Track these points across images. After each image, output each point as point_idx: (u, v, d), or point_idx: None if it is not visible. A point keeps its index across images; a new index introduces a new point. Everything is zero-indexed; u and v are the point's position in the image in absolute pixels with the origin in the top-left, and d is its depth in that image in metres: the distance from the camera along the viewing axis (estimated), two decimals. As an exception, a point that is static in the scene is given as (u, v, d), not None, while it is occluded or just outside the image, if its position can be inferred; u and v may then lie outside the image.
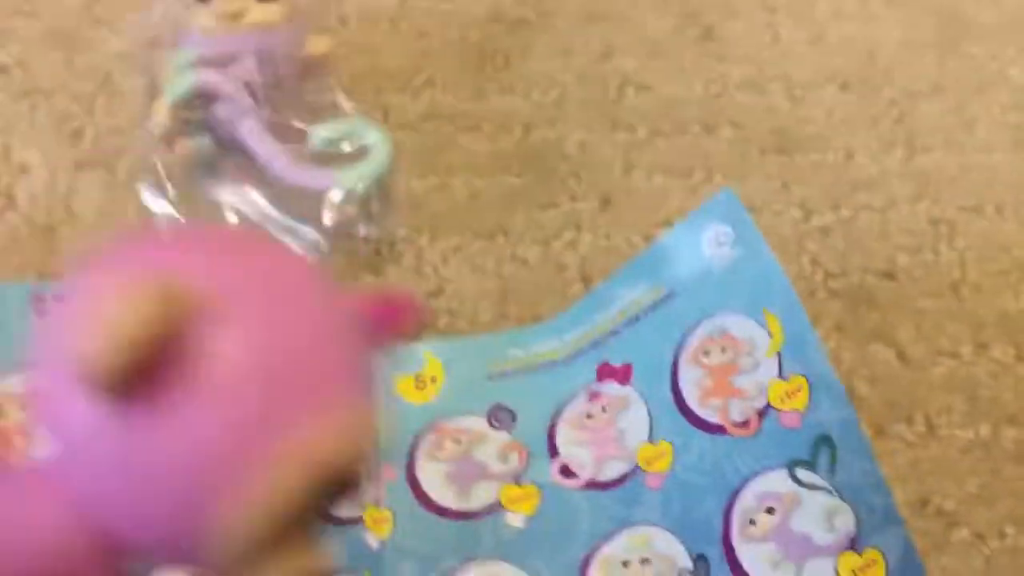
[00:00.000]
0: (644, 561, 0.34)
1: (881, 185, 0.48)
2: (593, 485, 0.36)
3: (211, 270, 0.14)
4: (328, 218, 0.41)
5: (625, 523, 0.35)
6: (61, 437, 0.14)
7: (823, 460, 0.31)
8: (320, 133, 0.43)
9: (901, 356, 0.42)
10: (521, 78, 0.52)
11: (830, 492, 0.30)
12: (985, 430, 0.40)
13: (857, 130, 0.51)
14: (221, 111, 0.42)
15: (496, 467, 0.37)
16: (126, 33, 0.48)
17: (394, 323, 0.19)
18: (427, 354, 0.39)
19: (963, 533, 0.37)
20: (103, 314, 0.12)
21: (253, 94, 0.43)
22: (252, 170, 0.42)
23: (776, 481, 0.32)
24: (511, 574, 0.34)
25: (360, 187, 0.41)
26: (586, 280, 0.44)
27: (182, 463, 0.13)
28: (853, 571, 0.29)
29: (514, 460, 0.37)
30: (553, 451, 0.37)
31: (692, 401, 0.35)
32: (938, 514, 0.37)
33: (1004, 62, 0.54)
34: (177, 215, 0.41)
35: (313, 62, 0.46)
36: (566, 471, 0.36)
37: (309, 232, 0.41)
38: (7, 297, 0.32)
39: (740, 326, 0.34)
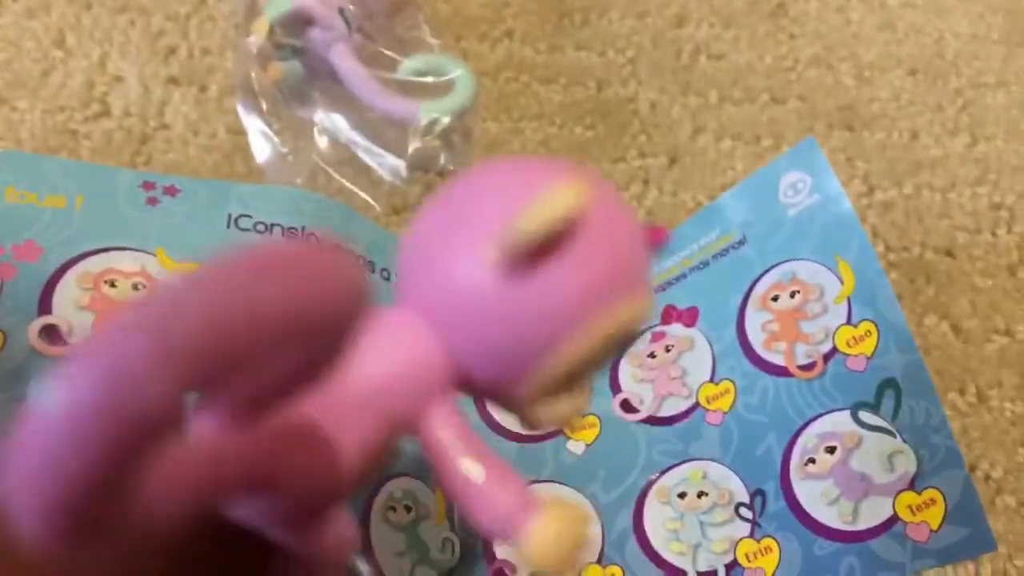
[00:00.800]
0: (701, 494, 0.35)
1: (944, 167, 0.49)
2: (653, 420, 0.37)
3: (574, 177, 0.17)
4: (411, 146, 0.42)
5: (683, 457, 0.36)
6: (449, 288, 0.17)
7: (887, 403, 0.32)
8: (409, 64, 0.44)
9: (955, 329, 0.43)
10: (597, 36, 0.53)
11: (892, 434, 0.31)
12: (1034, 405, 0.41)
13: (923, 113, 0.52)
14: (315, 35, 0.44)
15: (559, 397, 0.38)
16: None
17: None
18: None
19: (1009, 500, 0.38)
20: (542, 196, 0.16)
21: (347, 21, 0.44)
22: (341, 97, 0.44)
23: (838, 422, 0.33)
24: (572, 497, 0.35)
25: (444, 118, 0.42)
26: (652, 232, 0.45)
27: (543, 315, 0.17)
28: (910, 508, 0.30)
29: (577, 392, 0.38)
30: (615, 386, 0.38)
31: (757, 344, 0.36)
32: (985, 480, 0.38)
33: (1072, 61, 0.55)
34: (269, 131, 0.42)
35: (403, 0, 0.48)
36: (627, 406, 0.38)
37: (391, 159, 0.43)
38: (118, 181, 0.33)
39: (810, 272, 0.35)
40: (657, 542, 0.35)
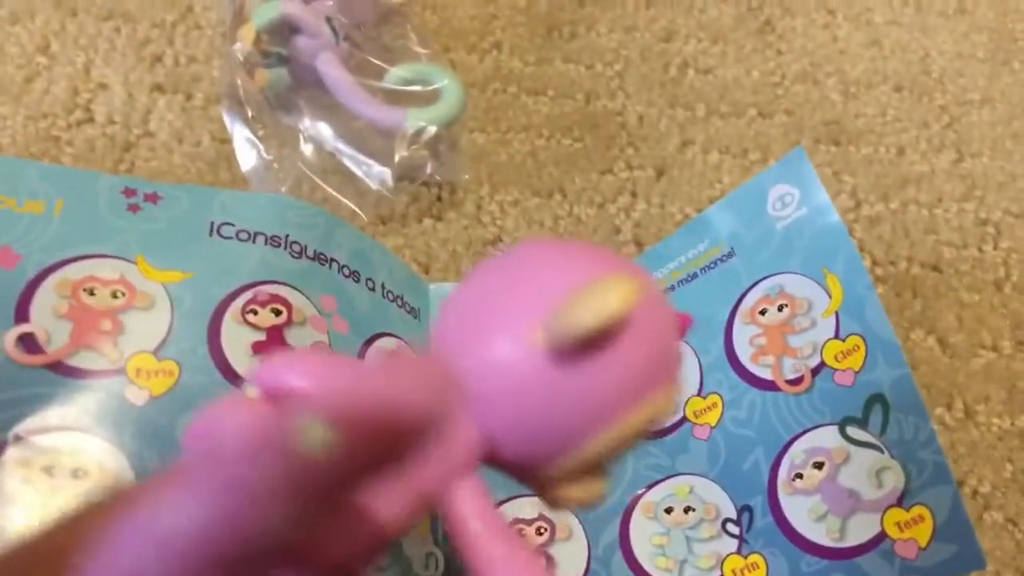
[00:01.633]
0: (688, 509, 0.34)
1: (930, 182, 0.49)
2: (640, 433, 0.37)
3: (625, 272, 0.18)
4: (398, 154, 0.42)
5: (670, 472, 0.35)
6: (491, 364, 0.17)
7: (875, 418, 0.32)
8: (396, 72, 0.44)
9: (942, 343, 0.43)
10: (585, 50, 0.53)
11: (880, 449, 0.31)
12: (1022, 421, 0.40)
13: (908, 129, 0.52)
14: (302, 43, 0.43)
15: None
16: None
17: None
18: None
19: (996, 516, 0.38)
20: (597, 290, 0.16)
21: (333, 29, 0.44)
22: (327, 105, 0.43)
23: (826, 437, 0.32)
24: (557, 514, 0.35)
25: (431, 127, 0.42)
26: (639, 244, 0.45)
27: (584, 403, 0.17)
28: (898, 525, 0.30)
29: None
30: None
31: (745, 358, 0.36)
32: (973, 496, 0.38)
33: (1056, 79, 0.55)
34: (255, 138, 0.42)
35: (390, 10, 0.47)
36: (614, 418, 0.37)
37: (377, 167, 0.42)
38: (99, 186, 0.32)
39: (798, 285, 0.35)
40: (643, 557, 0.34)
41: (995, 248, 0.47)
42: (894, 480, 0.31)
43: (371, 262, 0.37)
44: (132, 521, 0.12)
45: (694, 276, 0.39)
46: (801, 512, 0.32)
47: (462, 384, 0.17)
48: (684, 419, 0.36)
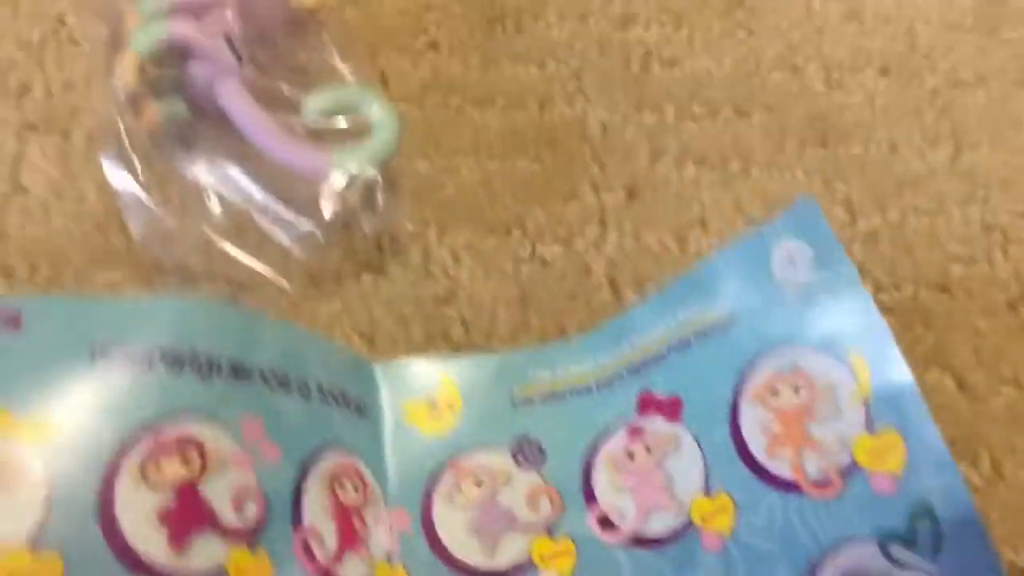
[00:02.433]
0: (703, 636, 0.29)
1: (928, 184, 0.44)
2: (638, 542, 0.31)
3: None
4: (326, 208, 0.35)
5: (678, 589, 0.30)
6: None
7: (924, 536, 0.27)
8: (314, 104, 0.36)
9: (960, 384, 0.38)
10: (535, 44, 0.46)
11: None
12: (1053, 471, 0.36)
13: (900, 120, 0.46)
14: (197, 69, 0.35)
15: (525, 515, 0.32)
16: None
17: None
18: (441, 374, 0.34)
19: (1036, 591, 0.34)
20: None
21: (234, 50, 0.36)
22: (234, 144, 0.36)
23: (864, 555, 0.27)
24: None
25: (364, 172, 0.35)
26: (614, 286, 0.39)
27: None
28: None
29: (545, 507, 0.32)
30: (590, 497, 0.32)
31: (757, 449, 0.30)
32: (1011, 570, 0.34)
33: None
34: (145, 197, 0.34)
35: (302, 16, 0.39)
36: (606, 522, 0.32)
37: (302, 222, 0.35)
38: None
39: (816, 363, 0.30)
40: None
41: (1005, 258, 0.42)
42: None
43: (302, 359, 0.30)
44: None
45: (687, 344, 0.33)
46: (839, 644, 0.27)
47: None
48: (690, 523, 0.31)
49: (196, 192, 0.35)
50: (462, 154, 0.41)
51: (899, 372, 0.28)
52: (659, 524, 0.31)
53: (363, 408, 0.32)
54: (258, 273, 0.35)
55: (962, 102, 0.48)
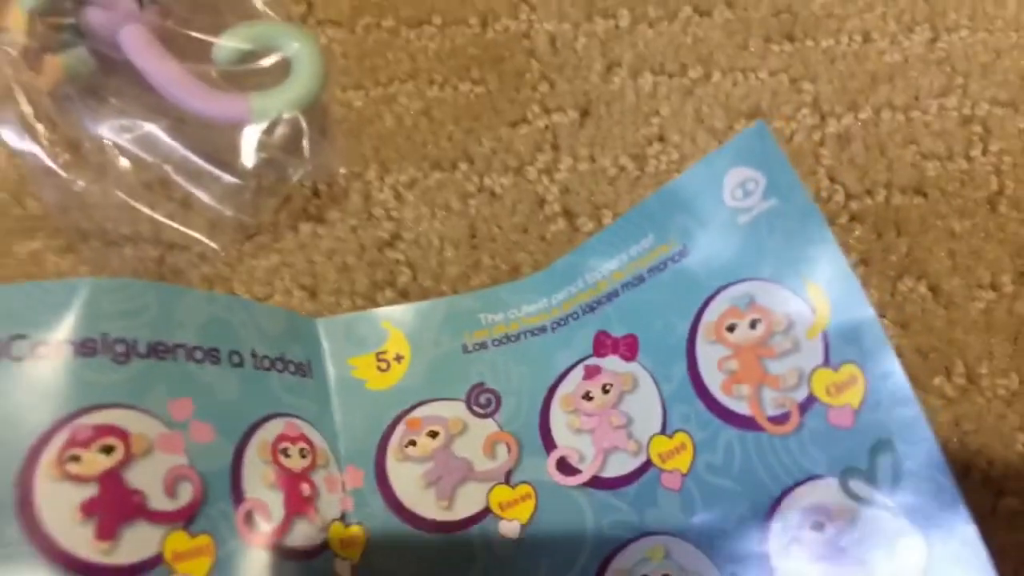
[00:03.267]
0: (665, 577, 0.29)
1: (903, 77, 0.41)
2: (597, 483, 0.30)
3: None
4: (247, 157, 0.32)
5: (639, 530, 0.29)
6: None
7: (884, 471, 0.25)
8: (227, 44, 0.34)
9: (935, 291, 0.36)
10: (474, -49, 0.42)
11: (894, 513, 0.25)
12: (1031, 377, 0.35)
13: (874, 6, 0.43)
14: (95, 16, 0.33)
15: (482, 464, 0.31)
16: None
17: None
18: (387, 325, 0.32)
19: (1012, 502, 0.33)
20: None
21: (135, -7, 0.33)
22: (144, 95, 0.33)
23: (824, 491, 0.26)
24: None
25: (284, 115, 0.33)
26: (570, 215, 0.37)
27: None
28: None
29: (503, 454, 0.31)
30: (548, 441, 0.31)
31: (714, 387, 0.29)
32: (984, 482, 0.33)
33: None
34: (49, 159, 0.32)
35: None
36: (564, 466, 0.31)
37: (225, 176, 0.33)
38: None
39: (773, 296, 0.28)
40: (618, 633, 0.29)
41: (984, 153, 0.40)
42: (914, 551, 0.25)
43: (231, 327, 0.29)
44: None
45: (640, 279, 0.31)
46: (803, 583, 0.26)
47: None
48: (649, 463, 0.30)
49: (104, 150, 0.32)
50: (399, 80, 0.39)
51: (859, 304, 0.26)
52: (618, 465, 0.30)
53: (305, 369, 0.31)
54: (186, 233, 0.33)
55: (940, -21, 0.44)
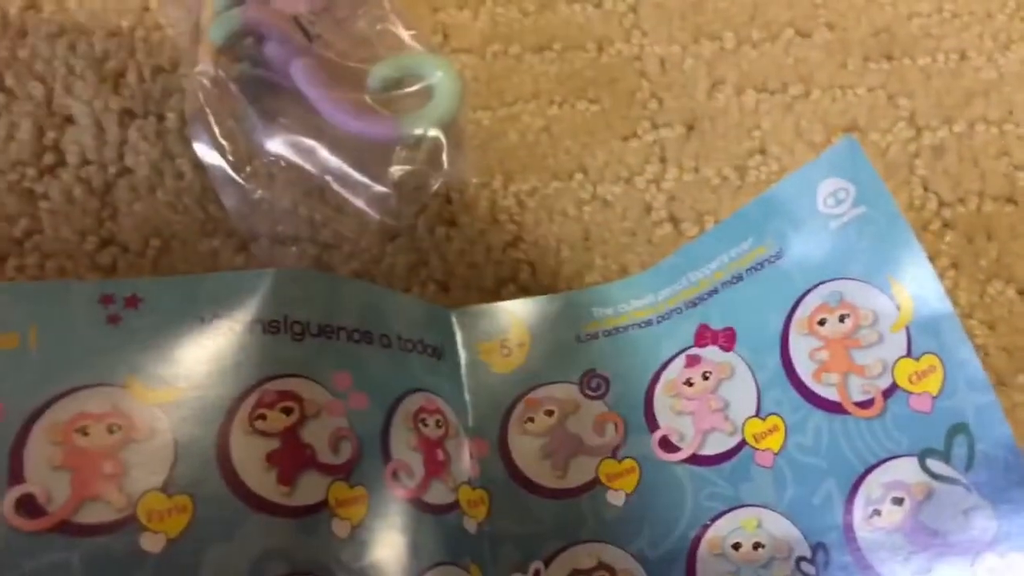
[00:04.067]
0: (757, 545, 0.32)
1: (998, 92, 0.43)
2: (697, 460, 0.34)
3: None
4: (394, 170, 0.38)
5: (734, 502, 0.33)
6: None
7: (959, 452, 0.28)
8: (378, 73, 0.39)
9: (1022, 294, 0.38)
10: (590, -18, 0.47)
11: (967, 488, 0.28)
12: (1118, 379, 0.37)
13: (970, 26, 0.45)
14: (272, 51, 0.38)
15: (592, 440, 0.35)
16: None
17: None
18: (510, 316, 0.37)
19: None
20: None
21: (303, 29, 0.39)
22: (308, 116, 0.39)
23: (904, 469, 0.29)
24: (617, 558, 0.33)
25: (427, 133, 0.38)
26: (675, 221, 0.41)
27: None
28: (992, 572, 0.27)
29: (611, 432, 0.35)
30: (652, 421, 0.35)
31: (805, 375, 0.32)
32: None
33: None
34: (232, 170, 0.38)
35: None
36: (666, 444, 0.35)
37: (376, 186, 0.38)
38: (74, 299, 0.29)
39: (860, 294, 0.31)
40: (714, 598, 0.33)
41: (1079, 164, 0.41)
42: (985, 523, 0.28)
43: (383, 314, 0.34)
44: None
45: (739, 278, 0.35)
46: (883, 552, 0.29)
47: None
48: (744, 442, 0.33)
49: (279, 165, 0.38)
50: (522, 101, 0.43)
51: (939, 300, 0.29)
52: (715, 444, 0.34)
53: (441, 352, 0.36)
54: (340, 234, 0.38)
55: (1040, -2, 0.46)
